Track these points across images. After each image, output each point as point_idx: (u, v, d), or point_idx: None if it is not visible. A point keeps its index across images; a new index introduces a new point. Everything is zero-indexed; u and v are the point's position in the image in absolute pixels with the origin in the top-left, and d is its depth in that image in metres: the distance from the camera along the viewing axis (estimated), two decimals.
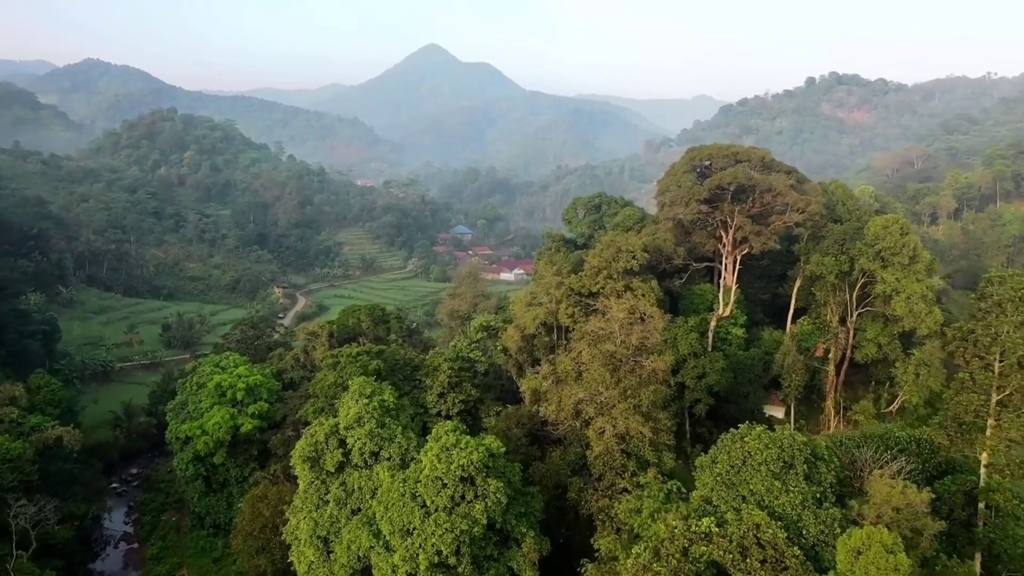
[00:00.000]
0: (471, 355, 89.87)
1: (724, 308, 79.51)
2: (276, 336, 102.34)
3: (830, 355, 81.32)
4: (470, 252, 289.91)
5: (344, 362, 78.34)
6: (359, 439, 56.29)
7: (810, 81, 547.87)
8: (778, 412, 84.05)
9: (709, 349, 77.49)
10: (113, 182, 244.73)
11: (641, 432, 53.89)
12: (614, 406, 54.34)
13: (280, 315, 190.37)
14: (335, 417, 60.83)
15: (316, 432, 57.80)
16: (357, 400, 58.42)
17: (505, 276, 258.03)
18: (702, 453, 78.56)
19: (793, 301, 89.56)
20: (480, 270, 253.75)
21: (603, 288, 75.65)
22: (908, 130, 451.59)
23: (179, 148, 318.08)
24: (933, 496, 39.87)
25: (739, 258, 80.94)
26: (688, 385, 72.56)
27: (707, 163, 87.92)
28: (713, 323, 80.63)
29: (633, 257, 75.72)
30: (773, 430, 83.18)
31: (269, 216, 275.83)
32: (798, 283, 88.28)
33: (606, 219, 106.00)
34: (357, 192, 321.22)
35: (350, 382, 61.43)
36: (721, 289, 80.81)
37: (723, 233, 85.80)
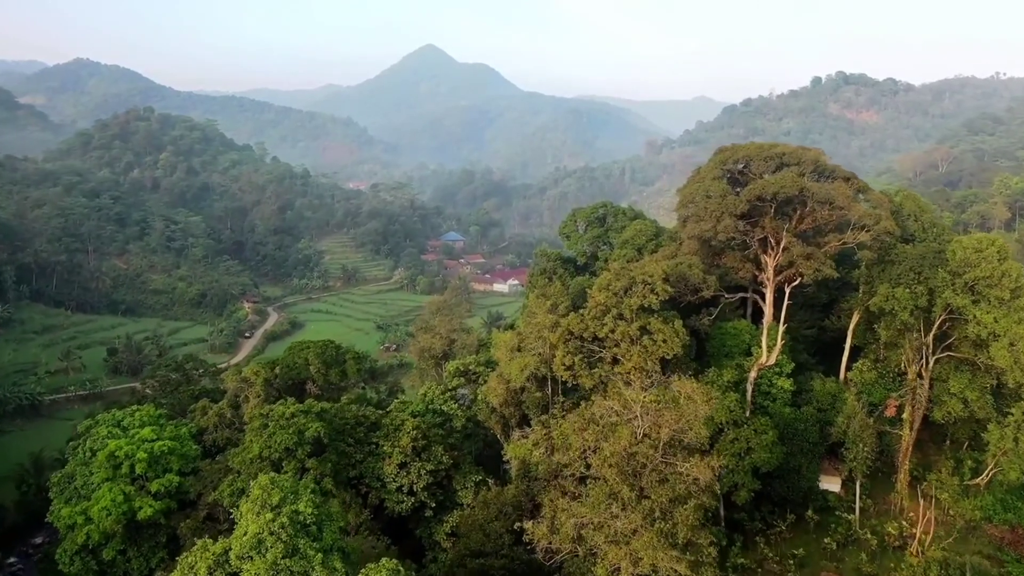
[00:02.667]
0: (444, 407, 71.73)
1: (768, 355, 61.27)
2: (205, 381, 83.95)
3: (904, 415, 63.10)
4: (462, 260, 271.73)
5: (273, 427, 60.18)
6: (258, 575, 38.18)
7: (816, 81, 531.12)
8: (833, 484, 65.96)
9: (749, 409, 59.42)
10: (74, 186, 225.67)
11: (674, 570, 35.73)
12: (635, 531, 36.21)
13: (247, 333, 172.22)
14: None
15: (195, 564, 39.55)
16: (259, 513, 40.16)
17: (499, 287, 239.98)
18: (741, 550, 61.15)
19: (849, 339, 71.60)
20: (471, 280, 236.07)
21: (612, 332, 57.48)
22: (920, 131, 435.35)
23: (154, 149, 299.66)
24: None
25: (787, 289, 62.60)
26: (726, 465, 54.30)
27: (741, 166, 69.85)
28: (753, 374, 62.54)
29: (652, 290, 57.59)
30: (831, 510, 65.72)
31: (246, 222, 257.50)
32: (855, 318, 70.22)
33: (612, 234, 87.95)
34: (342, 196, 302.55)
35: (253, 483, 42.99)
36: (765, 329, 62.50)
37: (763, 256, 67.76)
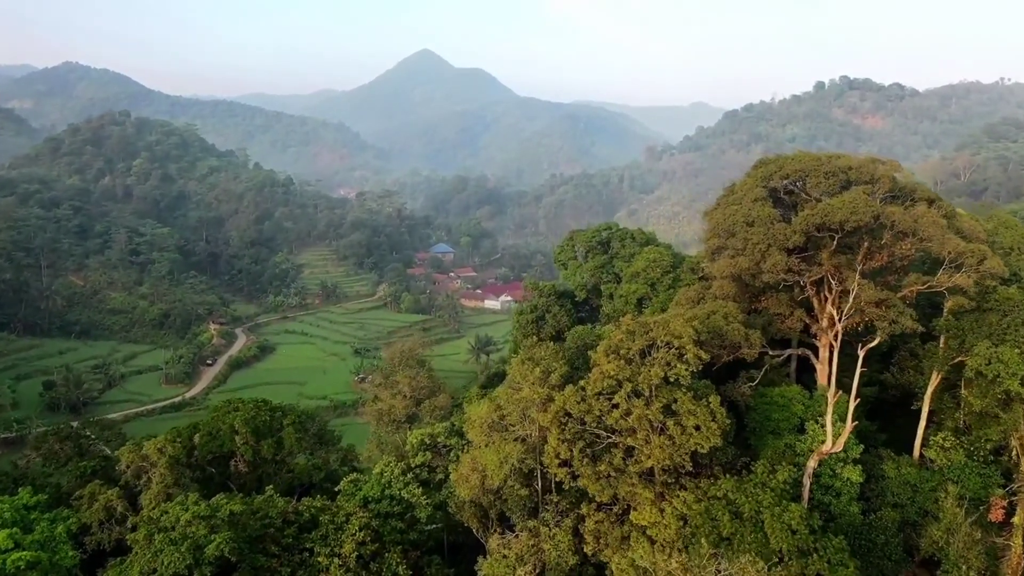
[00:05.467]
0: (404, 493, 55.50)
1: (833, 441, 45.36)
2: (106, 451, 67.34)
3: (1016, 519, 47.13)
4: (451, 274, 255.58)
5: (161, 541, 44.14)
6: None
7: (819, 85, 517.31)
8: None
9: (816, 523, 43.41)
10: (31, 195, 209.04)
11: None
12: None
13: (209, 360, 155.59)
14: None
15: None
16: None
17: (490, 303, 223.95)
18: None
19: (926, 407, 55.44)
20: (461, 296, 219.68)
21: (625, 416, 41.61)
22: (928, 137, 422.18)
23: (128, 155, 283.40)
24: None
25: (861, 353, 46.53)
26: None
27: (790, 184, 54.04)
28: (812, 464, 46.60)
29: (679, 357, 41.90)
30: None
31: (222, 234, 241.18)
32: (935, 379, 54.16)
33: (618, 263, 72.00)
34: (326, 205, 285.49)
35: None
36: (829, 406, 46.40)
37: (817, 301, 52.20)
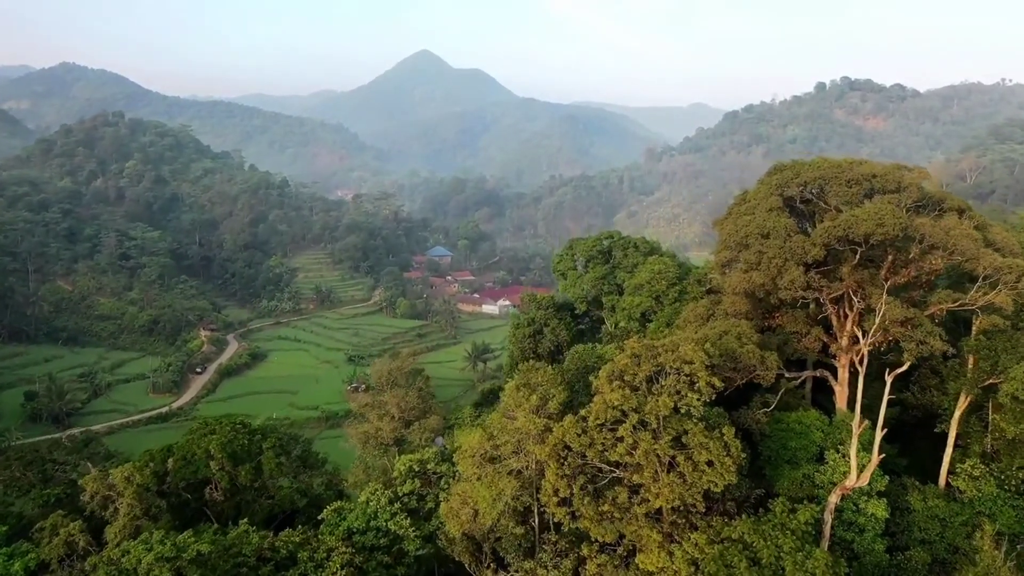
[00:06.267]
0: (391, 524, 51.47)
1: (858, 475, 41.40)
2: (75, 475, 62.93)
3: None
4: (448, 278, 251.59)
5: None
6: None
7: (820, 86, 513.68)
8: None
9: (842, 568, 39.46)
10: (19, 198, 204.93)
11: None
12: None
13: (198, 368, 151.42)
14: None
15: None
16: None
17: (488, 308, 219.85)
18: None
19: (952, 431, 51.53)
20: (458, 300, 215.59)
21: (631, 450, 37.65)
22: (931, 138, 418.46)
23: (121, 157, 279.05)
24: None
25: (888, 379, 42.59)
26: None
27: (802, 190, 50.12)
28: (834, 499, 42.57)
29: (690, 385, 37.96)
30: None
31: (215, 237, 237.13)
32: (963, 403, 50.21)
33: (620, 274, 68.05)
34: (322, 207, 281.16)
35: None
36: (854, 438, 42.42)
37: (836, 319, 48.33)
